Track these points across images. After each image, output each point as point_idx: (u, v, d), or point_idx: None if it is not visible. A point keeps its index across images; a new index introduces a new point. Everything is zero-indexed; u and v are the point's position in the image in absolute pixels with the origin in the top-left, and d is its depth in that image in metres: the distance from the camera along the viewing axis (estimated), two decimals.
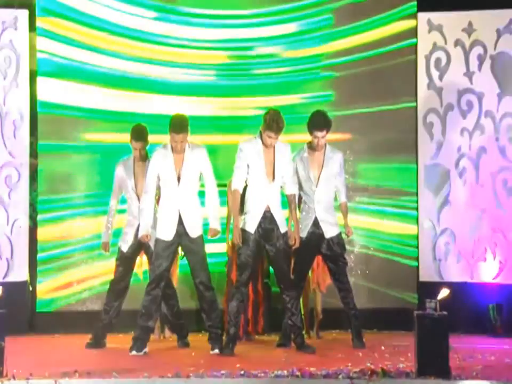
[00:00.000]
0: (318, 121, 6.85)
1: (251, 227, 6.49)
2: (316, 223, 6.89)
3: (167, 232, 6.58)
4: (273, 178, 6.53)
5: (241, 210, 6.66)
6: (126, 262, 7.10)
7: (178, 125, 6.53)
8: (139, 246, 7.03)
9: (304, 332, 6.86)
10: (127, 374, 5.32)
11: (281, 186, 6.65)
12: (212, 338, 6.65)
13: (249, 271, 6.52)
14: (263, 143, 6.52)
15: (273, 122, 6.43)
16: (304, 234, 6.87)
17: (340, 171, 7.01)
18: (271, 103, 7.90)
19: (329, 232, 6.89)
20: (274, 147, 6.53)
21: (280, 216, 6.60)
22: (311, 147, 6.96)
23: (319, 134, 6.83)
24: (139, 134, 7.10)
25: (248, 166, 6.52)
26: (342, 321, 7.19)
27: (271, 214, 6.53)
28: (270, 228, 6.52)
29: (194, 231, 6.60)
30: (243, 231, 6.49)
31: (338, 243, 6.94)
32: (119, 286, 7.09)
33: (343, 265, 6.97)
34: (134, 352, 6.51)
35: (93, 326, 7.16)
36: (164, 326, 7.68)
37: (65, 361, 5.95)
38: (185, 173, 6.57)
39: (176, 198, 6.58)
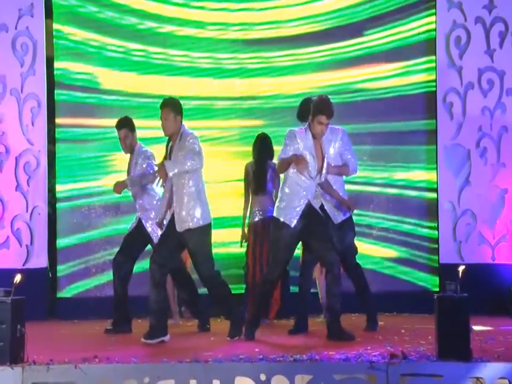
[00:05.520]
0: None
1: (290, 220, 6.24)
2: (323, 209, 6.65)
3: (167, 222, 6.38)
4: (320, 174, 6.31)
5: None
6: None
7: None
8: (142, 234, 7.03)
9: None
10: (146, 359, 5.32)
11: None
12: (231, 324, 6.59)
13: (281, 268, 6.35)
14: (312, 135, 6.22)
15: (324, 105, 6.16)
16: None
17: (343, 147, 6.63)
18: None
19: (338, 217, 6.72)
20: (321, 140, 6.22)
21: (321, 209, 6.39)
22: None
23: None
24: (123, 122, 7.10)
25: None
26: (360, 304, 7.11)
27: (312, 208, 6.29)
28: (309, 221, 6.24)
29: (188, 223, 6.24)
30: (281, 224, 6.23)
31: (349, 227, 6.79)
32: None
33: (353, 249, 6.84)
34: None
35: (112, 311, 7.16)
36: (182, 311, 7.68)
37: (85, 347, 5.98)
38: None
39: (169, 189, 6.34)
